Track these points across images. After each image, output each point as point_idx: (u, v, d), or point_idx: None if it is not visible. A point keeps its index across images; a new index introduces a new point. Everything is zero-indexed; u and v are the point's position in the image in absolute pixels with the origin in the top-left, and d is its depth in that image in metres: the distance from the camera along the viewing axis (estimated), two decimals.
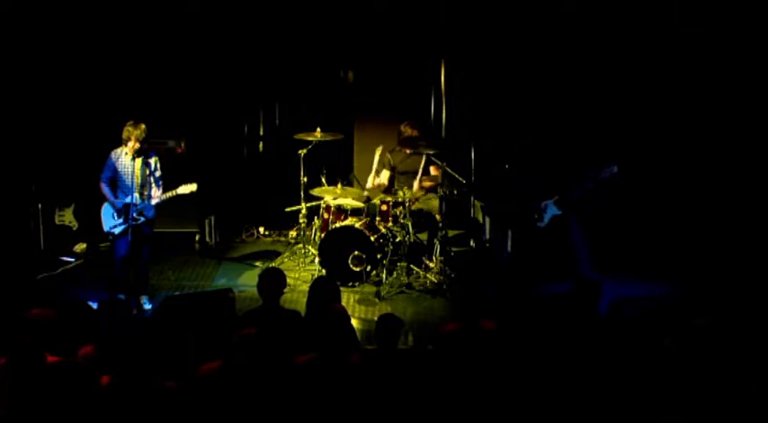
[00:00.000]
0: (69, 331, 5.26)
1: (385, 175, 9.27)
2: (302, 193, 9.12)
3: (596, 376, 5.11)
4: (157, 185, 7.77)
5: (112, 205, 7.76)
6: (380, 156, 9.27)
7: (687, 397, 4.76)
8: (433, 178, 9.00)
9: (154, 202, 7.75)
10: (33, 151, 9.45)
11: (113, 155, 7.74)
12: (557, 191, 8.15)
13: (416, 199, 8.88)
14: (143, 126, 7.60)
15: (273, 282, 5.98)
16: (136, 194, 7.67)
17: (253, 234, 10.37)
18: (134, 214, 7.65)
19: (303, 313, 6.18)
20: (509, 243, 9.26)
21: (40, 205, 9.44)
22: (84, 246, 9.52)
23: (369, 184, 9.25)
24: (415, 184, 8.89)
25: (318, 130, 9.00)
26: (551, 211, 8.19)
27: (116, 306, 5.61)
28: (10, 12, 9.10)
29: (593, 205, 8.15)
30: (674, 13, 9.27)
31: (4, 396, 4.65)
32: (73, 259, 9.27)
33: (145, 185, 7.76)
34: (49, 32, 9.44)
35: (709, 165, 9.41)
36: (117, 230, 7.77)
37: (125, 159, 7.68)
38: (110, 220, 7.81)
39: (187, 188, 7.78)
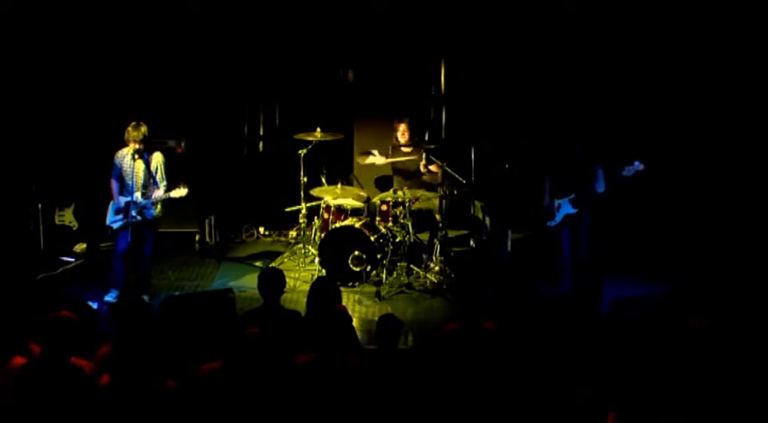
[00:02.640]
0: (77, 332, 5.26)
1: (380, 158, 9.19)
2: (302, 193, 9.12)
3: (596, 376, 5.11)
4: (157, 186, 7.80)
5: (116, 204, 7.85)
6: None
7: (687, 397, 4.76)
8: (434, 176, 9.00)
9: (150, 201, 7.77)
10: (33, 151, 9.46)
11: (118, 155, 7.82)
12: (572, 189, 7.96)
13: (416, 199, 8.88)
14: (143, 128, 7.63)
15: (273, 281, 5.98)
16: (137, 194, 7.73)
17: (253, 234, 10.37)
18: (133, 213, 7.69)
19: (303, 313, 6.18)
20: (509, 243, 9.27)
21: (40, 205, 9.44)
22: (84, 246, 9.53)
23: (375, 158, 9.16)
24: (421, 165, 8.85)
25: (318, 130, 9.00)
26: (566, 209, 8.00)
27: (134, 307, 5.55)
28: (10, 12, 9.10)
29: (607, 202, 8.01)
30: (674, 13, 9.28)
31: (10, 395, 4.66)
32: (73, 259, 9.27)
33: (147, 186, 7.79)
34: (49, 33, 9.44)
35: (709, 165, 9.42)
36: (116, 225, 7.83)
37: (128, 159, 7.73)
38: (112, 216, 7.88)
39: (178, 192, 7.77)
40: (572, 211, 7.96)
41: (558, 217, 8.03)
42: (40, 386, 4.66)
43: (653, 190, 9.32)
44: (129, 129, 7.62)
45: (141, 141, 7.61)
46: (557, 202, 8.03)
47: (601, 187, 7.86)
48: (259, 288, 5.98)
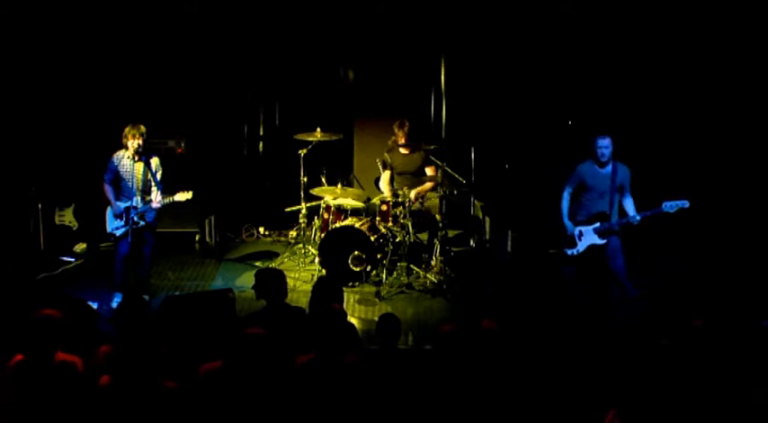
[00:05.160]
0: (73, 331, 5.26)
1: (386, 176, 9.23)
2: (302, 193, 9.12)
3: (596, 376, 5.11)
4: (159, 188, 7.69)
5: (113, 209, 7.76)
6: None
7: (686, 396, 4.76)
8: (430, 178, 8.98)
9: (154, 205, 7.70)
10: (33, 152, 9.46)
11: (115, 158, 7.74)
12: (598, 216, 7.23)
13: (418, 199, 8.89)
14: (142, 128, 7.59)
15: (268, 282, 5.99)
16: (137, 198, 7.66)
17: (253, 234, 10.37)
18: (134, 217, 7.65)
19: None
20: (509, 243, 9.26)
21: (40, 205, 9.44)
22: (84, 246, 9.53)
23: (386, 193, 9.14)
24: (413, 194, 8.82)
25: (318, 130, 9.00)
26: (591, 239, 7.22)
27: (136, 306, 5.54)
28: (10, 13, 9.10)
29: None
30: (674, 13, 9.28)
31: (12, 396, 4.66)
32: (73, 259, 9.27)
33: (147, 189, 7.75)
34: (49, 34, 9.44)
35: (709, 165, 9.42)
36: (118, 232, 7.78)
37: (127, 162, 7.67)
38: (112, 222, 7.82)
39: (183, 196, 7.73)
40: (599, 241, 7.20)
41: (582, 246, 7.26)
42: (27, 383, 4.66)
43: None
44: (128, 129, 7.56)
45: (139, 142, 7.55)
46: (577, 229, 7.28)
47: (637, 217, 7.03)
48: (255, 288, 5.99)
